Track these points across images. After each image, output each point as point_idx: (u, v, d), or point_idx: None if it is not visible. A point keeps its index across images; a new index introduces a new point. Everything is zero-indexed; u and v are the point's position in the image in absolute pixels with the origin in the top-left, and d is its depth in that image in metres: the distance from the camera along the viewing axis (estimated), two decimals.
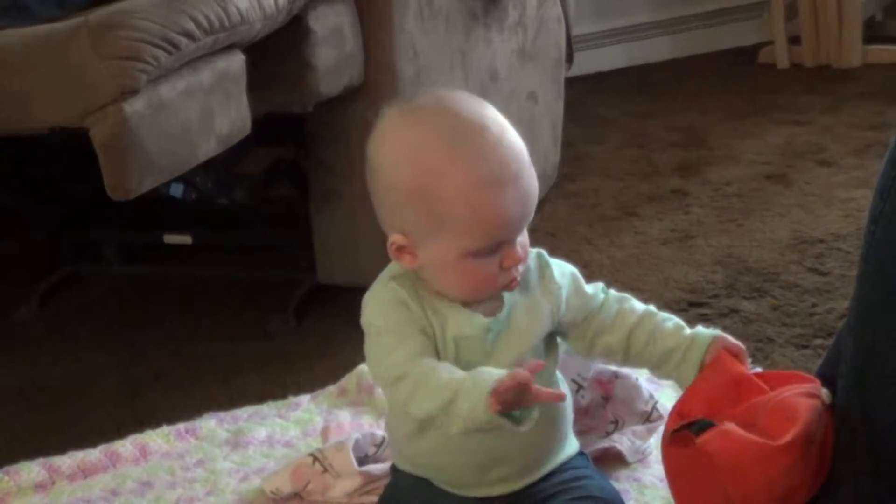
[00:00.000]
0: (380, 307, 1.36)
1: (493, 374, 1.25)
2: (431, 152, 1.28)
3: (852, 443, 1.25)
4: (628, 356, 1.42)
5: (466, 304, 1.35)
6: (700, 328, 1.41)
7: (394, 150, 1.32)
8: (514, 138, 1.31)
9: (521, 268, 1.34)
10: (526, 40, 2.66)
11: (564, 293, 1.40)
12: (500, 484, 1.42)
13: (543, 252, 1.42)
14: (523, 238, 1.34)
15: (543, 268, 1.40)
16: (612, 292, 1.45)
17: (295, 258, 2.43)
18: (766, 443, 1.25)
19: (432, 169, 1.28)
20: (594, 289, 1.44)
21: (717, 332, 1.41)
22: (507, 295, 1.37)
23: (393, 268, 1.39)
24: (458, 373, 1.29)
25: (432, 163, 1.28)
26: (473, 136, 1.29)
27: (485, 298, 1.36)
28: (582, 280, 1.43)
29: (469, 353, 1.35)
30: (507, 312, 1.36)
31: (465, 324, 1.34)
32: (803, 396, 1.30)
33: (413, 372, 1.30)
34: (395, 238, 1.33)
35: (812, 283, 2.23)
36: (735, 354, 1.38)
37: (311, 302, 2.36)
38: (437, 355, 1.34)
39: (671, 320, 1.42)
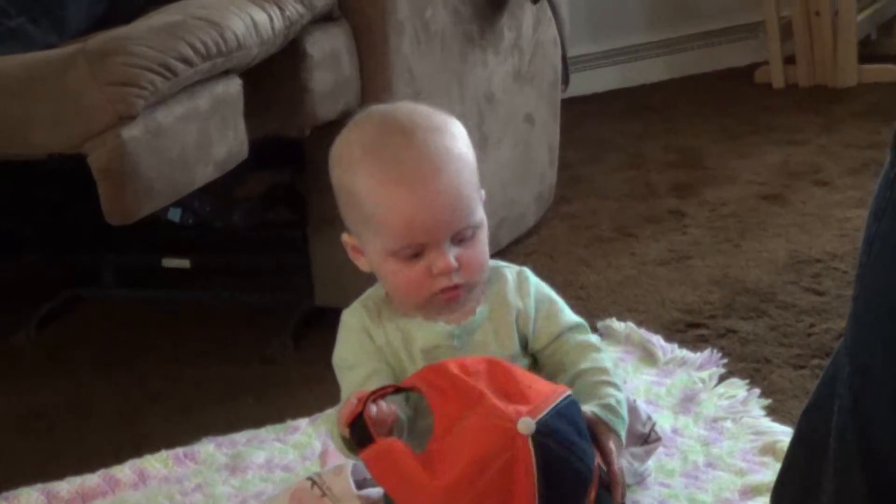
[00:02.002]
0: (344, 334, 1.42)
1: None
2: (351, 153, 1.35)
3: (848, 464, 1.25)
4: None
5: (430, 316, 1.37)
6: (610, 410, 1.38)
7: (334, 151, 1.39)
8: (438, 143, 1.32)
9: (456, 279, 1.33)
10: (522, 63, 2.66)
11: (533, 315, 1.40)
12: None
13: (526, 270, 1.43)
14: (470, 250, 1.34)
15: (522, 283, 1.41)
16: (584, 337, 1.44)
17: (293, 282, 2.44)
18: (423, 479, 1.23)
19: (349, 169, 1.34)
20: (568, 323, 1.43)
21: (622, 418, 1.39)
22: (479, 306, 1.38)
23: (371, 290, 1.43)
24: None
25: (350, 163, 1.34)
26: (391, 139, 1.33)
27: (437, 308, 1.37)
28: (560, 308, 1.43)
29: None
30: (475, 321, 1.37)
31: (428, 334, 1.37)
32: (490, 423, 1.25)
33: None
34: (344, 237, 1.40)
35: (809, 304, 2.23)
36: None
37: (308, 325, 2.36)
38: (392, 374, 1.38)
39: (608, 387, 1.40)
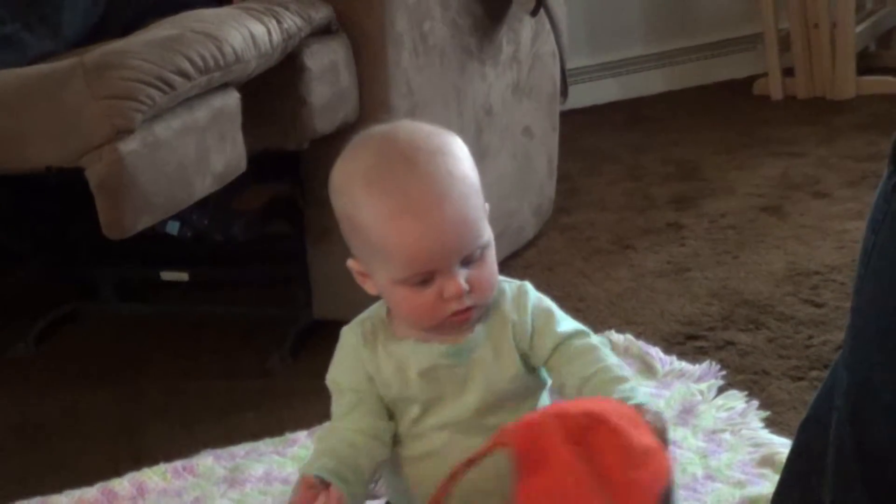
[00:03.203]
0: (339, 355, 1.41)
1: (313, 466, 1.30)
2: (353, 183, 1.30)
3: (848, 475, 1.25)
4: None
5: (427, 338, 1.35)
6: (639, 394, 1.34)
7: (334, 179, 1.34)
8: (441, 168, 1.29)
9: (468, 301, 1.31)
10: (521, 75, 2.67)
11: (530, 329, 1.39)
12: None
13: (526, 284, 1.41)
14: (480, 271, 1.32)
15: (521, 297, 1.39)
16: (585, 342, 1.40)
17: (291, 294, 2.44)
18: None
19: (352, 200, 1.30)
20: (567, 331, 1.40)
21: (650, 401, 1.33)
22: (478, 324, 1.36)
23: (374, 307, 1.41)
24: (328, 451, 1.33)
25: (352, 194, 1.30)
26: (393, 166, 1.29)
27: (447, 330, 1.34)
28: (558, 317, 1.40)
29: (441, 386, 1.36)
30: (474, 339, 1.36)
31: (423, 356, 1.35)
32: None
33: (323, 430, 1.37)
34: (350, 263, 1.36)
35: (807, 315, 2.23)
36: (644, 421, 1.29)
37: (307, 338, 2.36)
38: (379, 403, 1.37)
39: (619, 383, 1.35)
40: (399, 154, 1.30)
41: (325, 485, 1.27)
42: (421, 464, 1.39)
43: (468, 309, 1.32)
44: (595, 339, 1.41)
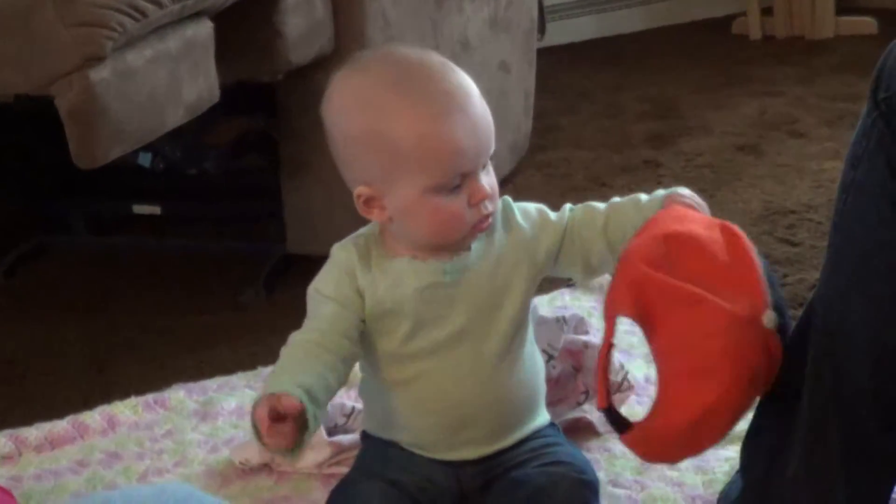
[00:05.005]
0: (329, 268, 1.39)
1: (278, 385, 1.28)
2: (379, 95, 1.31)
3: (822, 410, 1.25)
4: (616, 254, 1.38)
5: (423, 257, 1.36)
6: (660, 191, 1.40)
7: (343, 101, 1.34)
8: (458, 76, 1.33)
9: (489, 207, 1.33)
10: (498, 10, 2.64)
11: (530, 233, 1.39)
12: (470, 447, 1.42)
13: (508, 198, 1.42)
14: (490, 179, 1.33)
15: (508, 213, 1.40)
16: (577, 206, 1.43)
17: (265, 229, 2.42)
18: (703, 432, 1.25)
19: (381, 110, 1.30)
20: (560, 213, 1.43)
21: (676, 190, 1.39)
22: (474, 244, 1.37)
23: (364, 229, 1.40)
24: (292, 367, 1.31)
25: (381, 104, 1.31)
26: (416, 75, 1.32)
27: (455, 244, 1.35)
28: (549, 212, 1.42)
29: (433, 305, 1.36)
30: (470, 257, 1.36)
31: (422, 273, 1.35)
32: (735, 334, 1.23)
33: (291, 341, 1.34)
34: (360, 190, 1.34)
35: (783, 254, 2.23)
36: (689, 206, 1.35)
37: (281, 273, 2.35)
38: (355, 326, 1.36)
39: (632, 201, 1.40)
40: (416, 64, 1.34)
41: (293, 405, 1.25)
42: (409, 388, 1.39)
43: (486, 216, 1.33)
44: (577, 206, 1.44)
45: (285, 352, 1.33)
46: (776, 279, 1.29)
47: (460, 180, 1.30)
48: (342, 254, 1.38)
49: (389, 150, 1.30)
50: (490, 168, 1.35)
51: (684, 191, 1.38)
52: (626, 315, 1.26)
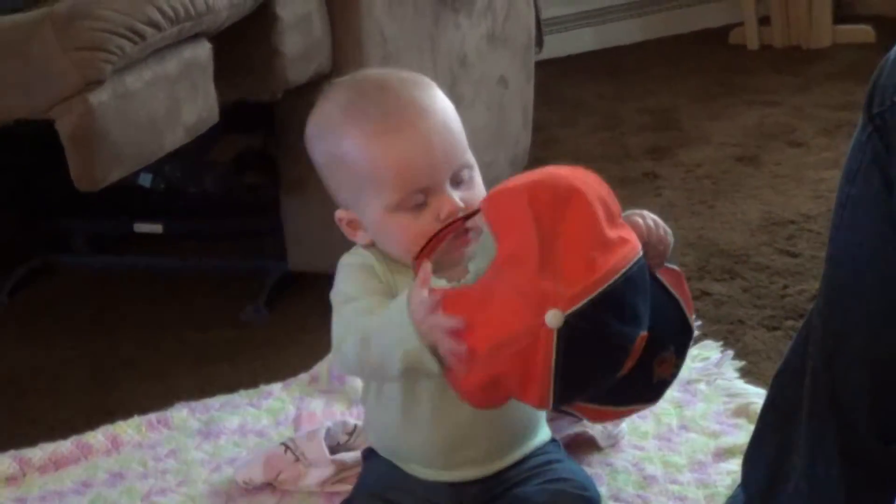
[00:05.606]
0: (347, 270, 1.37)
1: (400, 300, 1.24)
2: (332, 120, 1.34)
3: (821, 425, 1.25)
4: None
5: (433, 271, 1.34)
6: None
7: (309, 129, 1.38)
8: (416, 92, 1.33)
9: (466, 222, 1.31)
10: (495, 24, 2.65)
11: None
12: (469, 466, 1.42)
13: None
14: (471, 193, 1.33)
15: None
16: None
17: (265, 246, 2.43)
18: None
19: (335, 134, 1.33)
20: None
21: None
22: (471, 264, 1.35)
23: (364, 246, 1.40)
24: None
25: (334, 128, 1.33)
26: (369, 94, 1.33)
27: (445, 262, 1.33)
28: None
29: None
30: (472, 278, 1.35)
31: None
32: (521, 300, 1.18)
33: (353, 324, 1.30)
34: (339, 214, 1.37)
35: (783, 265, 2.23)
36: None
37: (282, 290, 2.35)
38: None
39: None
40: (374, 85, 1.35)
41: None
42: (406, 405, 1.38)
43: (467, 231, 1.32)
44: None
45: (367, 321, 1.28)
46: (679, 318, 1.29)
47: (423, 196, 1.30)
48: (355, 258, 1.38)
49: (347, 172, 1.33)
50: (474, 181, 1.34)
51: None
52: (485, 214, 1.23)
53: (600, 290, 1.17)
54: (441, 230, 1.28)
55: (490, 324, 1.17)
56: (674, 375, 1.33)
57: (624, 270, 1.19)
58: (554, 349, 1.16)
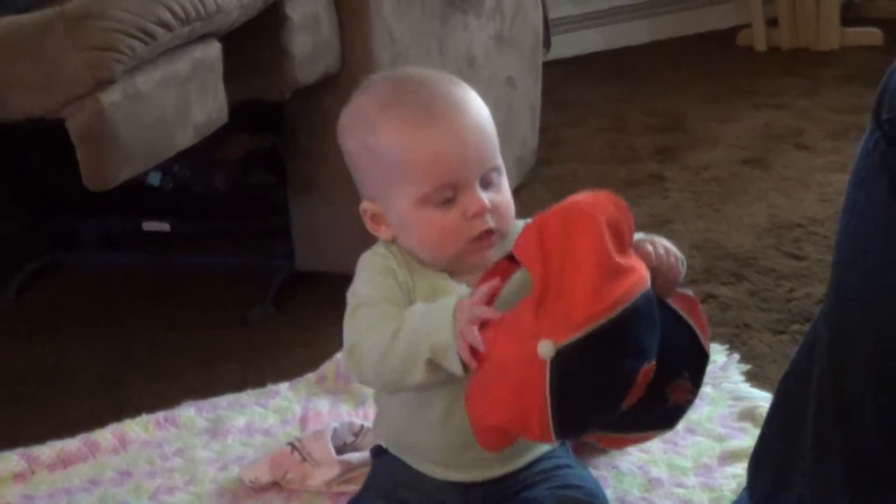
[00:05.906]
0: (366, 274, 1.37)
1: (450, 300, 1.24)
2: (370, 111, 1.35)
3: (826, 430, 1.25)
4: None
5: (454, 274, 1.35)
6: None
7: (343, 120, 1.39)
8: (453, 88, 1.35)
9: (491, 222, 1.31)
10: (503, 25, 2.65)
11: None
12: (478, 468, 1.42)
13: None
14: (500, 196, 1.33)
15: None
16: None
17: (273, 245, 2.43)
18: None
19: (370, 124, 1.34)
20: None
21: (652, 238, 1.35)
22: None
23: (386, 243, 1.40)
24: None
25: (370, 119, 1.34)
26: (406, 88, 1.35)
27: (466, 265, 1.34)
28: None
29: None
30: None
31: (451, 293, 1.32)
32: (516, 329, 1.19)
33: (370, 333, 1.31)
34: (364, 205, 1.38)
35: (789, 268, 2.24)
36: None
37: (289, 289, 2.36)
38: None
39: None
40: (411, 80, 1.37)
41: None
42: (416, 404, 1.39)
43: (490, 232, 1.32)
44: None
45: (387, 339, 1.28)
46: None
47: (452, 192, 1.31)
48: (377, 259, 1.38)
49: (379, 163, 1.33)
50: (502, 185, 1.35)
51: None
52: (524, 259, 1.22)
53: (600, 322, 1.16)
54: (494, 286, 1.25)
55: (493, 351, 1.19)
56: (690, 401, 1.33)
57: (629, 303, 1.18)
58: (547, 381, 1.16)
